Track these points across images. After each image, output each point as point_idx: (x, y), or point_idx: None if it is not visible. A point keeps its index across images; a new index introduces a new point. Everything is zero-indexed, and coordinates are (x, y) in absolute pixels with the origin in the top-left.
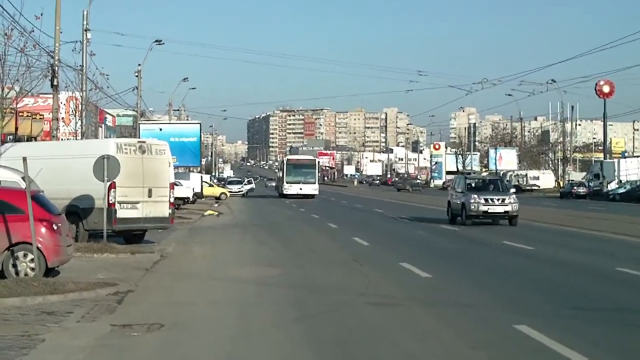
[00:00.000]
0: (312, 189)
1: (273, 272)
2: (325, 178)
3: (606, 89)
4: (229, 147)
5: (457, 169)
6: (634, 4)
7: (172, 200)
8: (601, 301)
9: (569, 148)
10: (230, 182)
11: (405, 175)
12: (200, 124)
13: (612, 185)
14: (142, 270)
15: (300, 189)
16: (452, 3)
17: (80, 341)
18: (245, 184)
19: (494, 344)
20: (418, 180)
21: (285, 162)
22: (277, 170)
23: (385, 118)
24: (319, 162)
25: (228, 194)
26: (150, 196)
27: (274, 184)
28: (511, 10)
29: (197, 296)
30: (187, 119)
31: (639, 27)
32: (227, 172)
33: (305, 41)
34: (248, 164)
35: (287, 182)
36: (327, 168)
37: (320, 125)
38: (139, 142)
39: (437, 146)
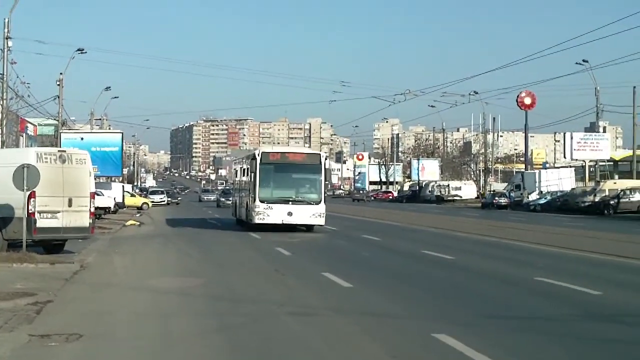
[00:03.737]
0: (311, 213)
1: (194, 282)
2: None
3: (527, 100)
4: (151, 156)
5: (380, 179)
6: (553, 17)
7: (92, 210)
8: (520, 310)
9: (490, 159)
10: (153, 192)
11: (360, 188)
12: (122, 133)
13: (533, 196)
14: (62, 280)
15: (290, 213)
16: (375, 14)
17: None
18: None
19: (413, 353)
20: (371, 192)
21: (259, 158)
22: (232, 181)
23: (310, 128)
24: (326, 157)
25: (150, 204)
26: (70, 206)
27: (212, 198)
28: (434, 22)
29: (117, 306)
30: (110, 129)
31: (559, 39)
32: (150, 182)
33: (229, 51)
34: (170, 173)
35: (261, 200)
36: None
37: (244, 135)
38: (59, 151)
39: (360, 157)
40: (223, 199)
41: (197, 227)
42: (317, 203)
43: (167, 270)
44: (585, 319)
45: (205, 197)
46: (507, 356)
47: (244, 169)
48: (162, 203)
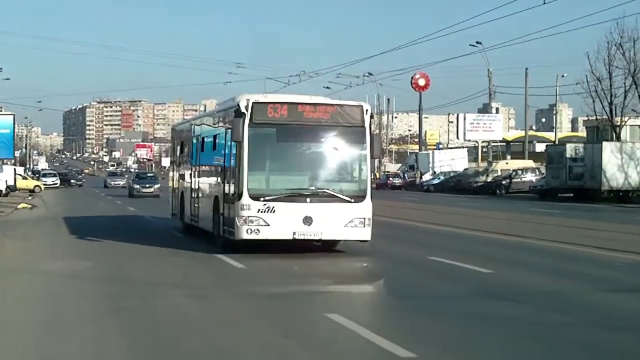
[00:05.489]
0: (348, 218)
1: (86, 265)
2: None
3: (421, 82)
4: (44, 139)
5: None
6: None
7: None
8: (413, 289)
9: (385, 140)
10: (45, 175)
11: None
12: (14, 115)
13: (427, 176)
14: None
15: (308, 219)
16: None
17: None
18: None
19: (305, 332)
20: None
21: (248, 113)
22: (174, 156)
23: (205, 110)
24: (371, 115)
25: (42, 187)
26: None
27: (122, 183)
28: (329, 4)
29: (7, 289)
30: (1, 111)
31: (451, 22)
32: (42, 165)
33: (124, 32)
34: (63, 156)
35: (253, 196)
36: (145, 160)
37: (138, 117)
38: None
39: None
40: (138, 186)
41: (114, 236)
42: (359, 199)
43: (59, 253)
44: (477, 297)
45: (113, 183)
46: (400, 334)
47: (207, 136)
48: (54, 185)
